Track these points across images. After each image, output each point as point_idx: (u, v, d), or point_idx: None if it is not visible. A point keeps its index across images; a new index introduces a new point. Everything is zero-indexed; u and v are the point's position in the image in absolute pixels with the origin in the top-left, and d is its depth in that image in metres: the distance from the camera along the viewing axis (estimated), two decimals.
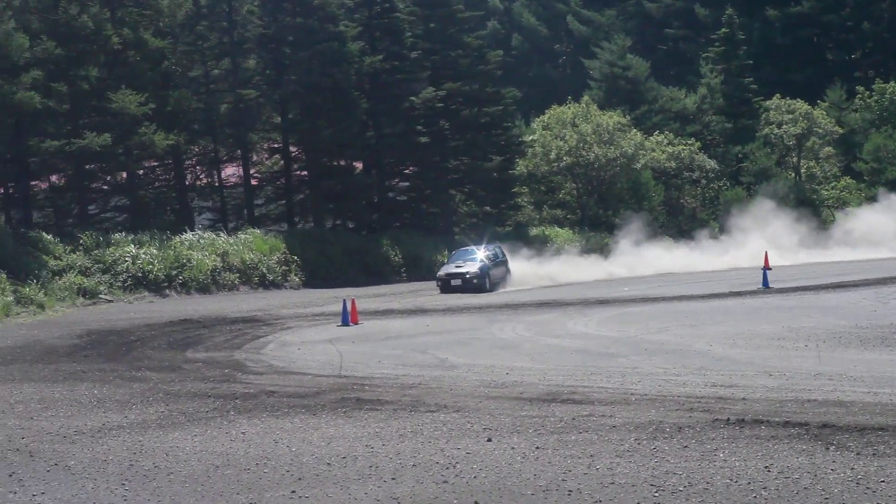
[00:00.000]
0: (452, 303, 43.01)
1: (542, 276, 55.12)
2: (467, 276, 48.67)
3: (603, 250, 66.31)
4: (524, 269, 55.38)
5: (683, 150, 78.56)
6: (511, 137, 72.83)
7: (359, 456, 15.21)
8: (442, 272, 49.78)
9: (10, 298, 40.49)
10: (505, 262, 52.31)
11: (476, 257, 50.52)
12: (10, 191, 54.91)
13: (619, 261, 62.51)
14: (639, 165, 73.88)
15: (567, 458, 14.48)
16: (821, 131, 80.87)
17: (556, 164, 73.08)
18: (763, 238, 66.20)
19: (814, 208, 76.09)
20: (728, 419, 16.32)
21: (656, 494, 12.62)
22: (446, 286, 48.45)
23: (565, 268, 57.99)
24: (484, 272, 49.25)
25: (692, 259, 63.56)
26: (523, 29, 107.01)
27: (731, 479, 13.07)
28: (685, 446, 14.80)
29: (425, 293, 49.42)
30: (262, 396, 20.87)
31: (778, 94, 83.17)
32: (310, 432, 17.04)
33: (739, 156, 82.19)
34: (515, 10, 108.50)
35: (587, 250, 66.38)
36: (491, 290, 48.81)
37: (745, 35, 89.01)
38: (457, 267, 49.62)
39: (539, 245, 64.43)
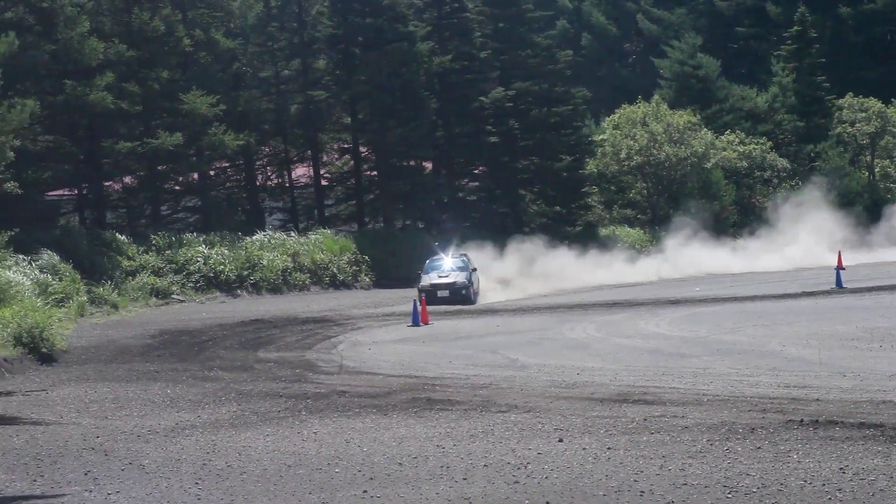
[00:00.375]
0: (523, 303, 42.98)
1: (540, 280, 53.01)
2: (456, 285, 44.96)
3: (648, 249, 65.56)
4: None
5: (755, 149, 78.03)
6: (581, 137, 72.66)
7: (430, 456, 15.22)
8: (425, 282, 45.16)
9: (85, 298, 40.88)
10: (475, 270, 47.69)
11: (457, 266, 46.51)
12: (85, 192, 55.45)
13: (654, 262, 61.21)
14: (709, 164, 73.47)
15: (639, 459, 14.42)
16: (895, 130, 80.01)
17: (626, 163, 72.84)
18: (807, 236, 65.16)
19: (885, 207, 75.09)
20: (802, 420, 16.19)
21: (729, 496, 12.54)
22: (432, 297, 43.15)
23: (580, 270, 56.29)
24: (470, 282, 45.66)
25: (731, 259, 62.37)
26: (593, 28, 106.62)
27: (806, 481, 12.96)
28: (758, 447, 14.70)
29: (494, 292, 49.36)
30: (333, 396, 20.94)
31: (850, 93, 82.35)
32: (381, 432, 17.08)
33: (812, 155, 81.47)
34: (585, 10, 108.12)
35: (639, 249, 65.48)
36: (474, 301, 45.45)
37: (817, 33, 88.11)
38: (440, 277, 45.49)
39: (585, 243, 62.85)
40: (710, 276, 56.78)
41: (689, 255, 62.07)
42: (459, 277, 45.35)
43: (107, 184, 56.89)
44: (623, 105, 77.17)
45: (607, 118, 78.81)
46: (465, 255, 48.63)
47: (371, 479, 14.09)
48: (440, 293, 44.23)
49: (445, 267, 46.42)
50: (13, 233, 36.93)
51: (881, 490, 12.47)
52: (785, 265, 60.60)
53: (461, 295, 44.64)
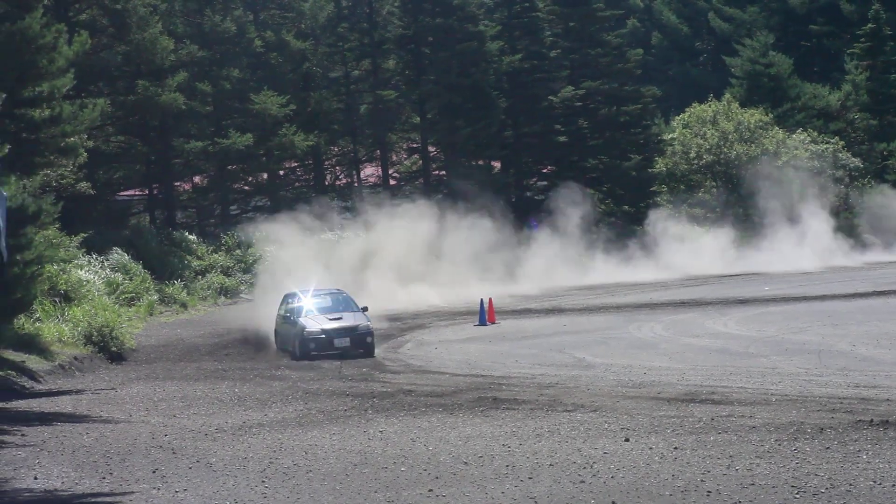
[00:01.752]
0: (589, 302, 42.74)
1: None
2: (359, 330, 30.02)
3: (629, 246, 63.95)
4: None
5: (826, 147, 77.34)
6: (650, 136, 72.38)
7: (496, 455, 15.22)
8: (312, 328, 29.83)
9: (155, 297, 41.24)
10: (366, 309, 32.23)
11: (343, 304, 31.78)
12: (155, 191, 55.86)
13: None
14: (780, 163, 72.90)
15: (706, 459, 14.34)
16: None
17: (695, 162, 72.45)
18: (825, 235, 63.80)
19: None
20: (872, 420, 16.04)
21: (797, 496, 12.44)
22: (324, 346, 29.66)
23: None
24: (370, 324, 30.79)
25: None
26: (663, 27, 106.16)
27: (875, 482, 12.83)
28: (827, 448, 14.57)
29: (561, 292, 49.13)
30: (399, 395, 20.99)
31: None
32: (447, 431, 17.09)
33: (885, 153, 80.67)
34: (656, 8, 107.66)
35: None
36: (374, 353, 30.01)
37: (891, 30, 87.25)
38: (332, 319, 30.35)
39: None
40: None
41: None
42: (360, 320, 30.59)
43: (177, 184, 57.30)
44: (693, 104, 76.76)
45: (677, 117, 78.41)
46: (341, 289, 33.67)
47: (436, 478, 14.10)
48: (338, 342, 29.86)
49: (334, 305, 31.77)
50: (87, 235, 37.36)
51: None
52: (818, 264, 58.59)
53: (365, 343, 29.99)
